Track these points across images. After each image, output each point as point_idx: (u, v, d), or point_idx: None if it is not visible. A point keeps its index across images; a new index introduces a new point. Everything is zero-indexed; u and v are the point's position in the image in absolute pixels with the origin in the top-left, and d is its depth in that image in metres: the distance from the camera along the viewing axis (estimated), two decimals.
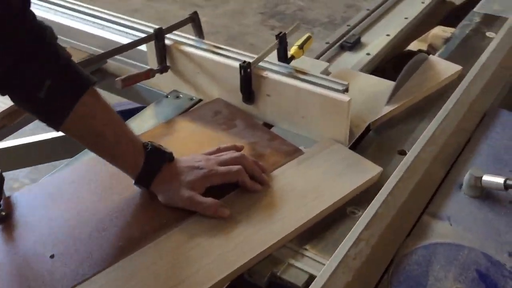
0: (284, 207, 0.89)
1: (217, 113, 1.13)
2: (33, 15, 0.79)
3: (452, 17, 1.72)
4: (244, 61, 1.07)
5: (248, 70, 1.07)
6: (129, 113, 1.56)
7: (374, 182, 0.96)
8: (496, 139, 1.06)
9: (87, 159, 1.01)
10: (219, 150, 0.97)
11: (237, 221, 0.87)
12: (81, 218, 0.88)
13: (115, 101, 1.49)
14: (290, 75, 1.08)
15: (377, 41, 1.44)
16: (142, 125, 1.13)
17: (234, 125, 1.09)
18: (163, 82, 1.24)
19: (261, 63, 1.10)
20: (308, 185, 0.93)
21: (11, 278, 0.79)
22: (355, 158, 0.99)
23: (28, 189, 0.96)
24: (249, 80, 1.08)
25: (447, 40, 1.41)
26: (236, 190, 0.93)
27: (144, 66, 1.36)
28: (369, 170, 0.97)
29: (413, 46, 1.56)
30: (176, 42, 1.19)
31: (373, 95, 1.18)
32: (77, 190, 0.94)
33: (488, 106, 1.15)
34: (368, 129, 1.09)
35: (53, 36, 0.82)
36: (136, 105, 1.51)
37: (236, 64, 1.10)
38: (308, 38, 1.26)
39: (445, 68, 1.24)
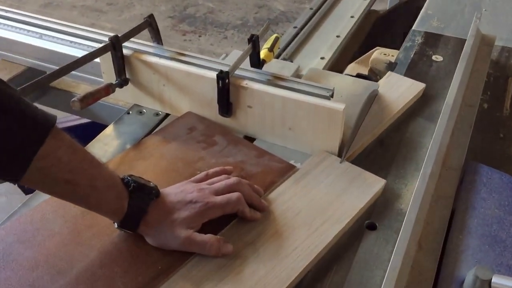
0: (293, 235, 0.80)
1: (193, 129, 1.00)
2: None
3: (379, 30, 1.68)
4: (221, 71, 0.95)
5: (226, 80, 0.95)
6: (78, 129, 1.40)
7: (378, 195, 0.89)
8: (484, 209, 0.86)
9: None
10: (208, 176, 0.86)
11: (244, 258, 0.76)
12: (58, 273, 0.73)
13: (60, 115, 1.32)
14: (270, 82, 0.98)
15: (312, 65, 1.27)
16: (105, 149, 0.99)
17: (214, 142, 0.98)
18: (122, 96, 1.10)
19: (236, 71, 0.99)
20: (313, 207, 0.84)
21: None
22: (355, 171, 0.91)
23: None
24: (227, 91, 0.97)
25: (390, 65, 1.25)
26: (234, 220, 0.82)
27: (93, 78, 1.21)
28: (373, 183, 0.89)
29: (350, 69, 1.37)
30: (136, 51, 1.05)
31: (352, 97, 1.10)
32: (45, 237, 0.79)
33: (463, 158, 0.97)
34: None
35: None
36: (85, 120, 1.35)
37: (210, 74, 0.98)
38: (277, 40, 1.16)
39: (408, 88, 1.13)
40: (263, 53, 1.09)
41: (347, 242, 0.81)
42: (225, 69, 0.96)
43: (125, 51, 1.03)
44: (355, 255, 0.79)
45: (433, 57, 1.26)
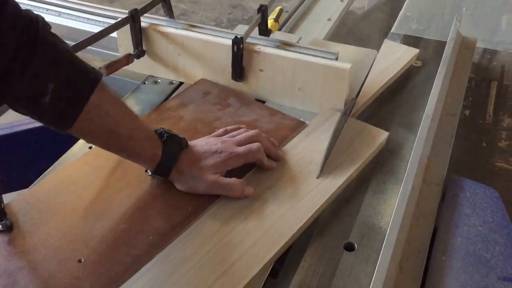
0: (306, 181, 0.88)
1: (207, 94, 1.08)
2: (14, 5, 0.68)
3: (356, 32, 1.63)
4: (236, 36, 1.03)
5: (241, 45, 1.03)
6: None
7: (382, 146, 0.97)
8: (468, 227, 0.83)
9: (84, 154, 0.93)
10: (226, 132, 0.94)
11: (265, 200, 0.84)
12: (99, 216, 0.81)
13: None
14: (280, 47, 1.06)
15: None
16: None
17: (228, 104, 1.06)
18: (138, 68, 1.17)
19: (247, 40, 1.07)
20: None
21: None
22: (360, 126, 0.99)
23: (26, 193, 0.87)
24: (241, 56, 1.04)
25: None
26: (253, 169, 0.90)
27: (105, 51, 1.28)
28: (377, 136, 0.97)
29: None
30: (152, 24, 1.12)
31: (355, 64, 1.18)
32: (85, 187, 0.86)
33: (445, 172, 0.93)
34: None
35: (46, 27, 0.71)
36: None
37: (224, 41, 1.06)
38: (281, 11, 1.25)
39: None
40: (269, 23, 1.17)
41: (326, 263, 0.76)
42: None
43: (142, 24, 1.11)
44: (332, 279, 0.74)
45: (414, 63, 1.22)
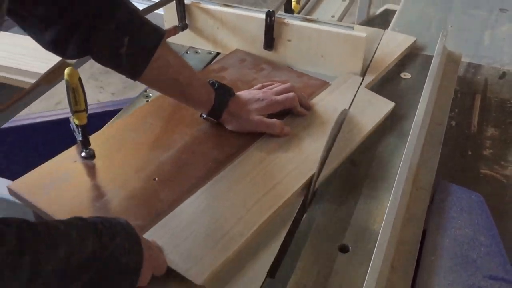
0: (333, 124, 1.06)
1: (243, 61, 1.27)
2: None
3: None
4: (269, 10, 1.21)
5: (273, 18, 1.21)
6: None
7: (388, 114, 1.11)
8: (455, 229, 0.87)
9: (142, 106, 1.11)
10: (263, 87, 1.12)
11: (301, 137, 1.02)
12: (164, 149, 0.99)
13: None
14: (304, 20, 1.25)
15: None
16: None
17: (262, 68, 1.24)
18: (181, 40, 1.35)
19: (276, 15, 1.25)
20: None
21: (127, 202, 0.88)
22: (371, 95, 1.16)
23: (101, 132, 1.04)
24: (272, 27, 1.23)
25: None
26: (288, 115, 1.08)
27: None
28: (384, 105, 1.13)
29: None
30: (194, 1, 1.31)
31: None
32: (148, 128, 1.04)
33: (433, 177, 0.97)
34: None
35: None
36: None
37: (258, 15, 1.24)
38: None
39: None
40: (293, 4, 1.36)
41: (321, 264, 0.80)
42: None
43: (186, 1, 1.29)
44: (327, 279, 0.78)
45: (402, 74, 1.26)
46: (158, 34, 0.93)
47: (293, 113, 1.08)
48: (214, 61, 1.30)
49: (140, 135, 1.02)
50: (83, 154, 0.96)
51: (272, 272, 0.79)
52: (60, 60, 1.20)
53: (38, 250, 0.57)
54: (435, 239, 0.85)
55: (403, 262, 0.81)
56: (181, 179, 0.93)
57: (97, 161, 0.96)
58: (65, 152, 0.97)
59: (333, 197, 0.93)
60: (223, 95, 1.01)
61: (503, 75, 1.29)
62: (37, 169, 0.92)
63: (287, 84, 1.09)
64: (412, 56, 1.31)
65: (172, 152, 0.98)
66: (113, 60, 0.92)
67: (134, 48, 0.90)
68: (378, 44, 1.34)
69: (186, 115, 1.06)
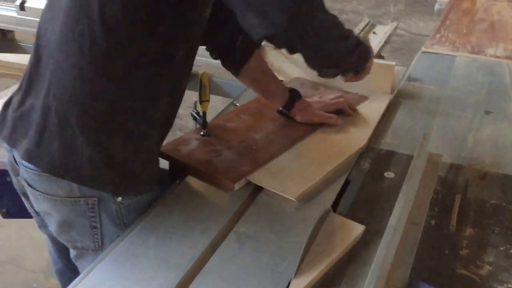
0: (367, 124, 1.51)
1: (303, 84, 1.74)
2: None
3: None
4: None
5: None
6: None
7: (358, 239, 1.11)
8: None
9: (232, 110, 1.58)
10: (320, 97, 1.58)
11: (348, 128, 1.48)
12: (255, 132, 1.44)
13: None
14: None
15: None
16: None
17: (317, 88, 1.71)
18: None
19: None
20: (375, 114, 1.56)
21: (237, 157, 1.32)
22: (341, 220, 1.14)
23: (213, 121, 1.49)
24: None
25: None
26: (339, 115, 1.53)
27: None
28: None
29: None
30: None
31: None
32: (241, 121, 1.49)
33: (407, 277, 0.98)
34: None
35: None
36: None
37: None
38: None
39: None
40: None
41: None
42: None
43: None
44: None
45: (385, 174, 1.30)
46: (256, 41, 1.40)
47: (343, 113, 1.53)
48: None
49: (238, 124, 1.48)
50: (201, 133, 1.41)
51: (334, 206, 1.19)
52: None
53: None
54: None
55: None
56: (271, 148, 1.37)
57: (212, 139, 1.41)
58: (190, 132, 1.43)
59: None
60: (294, 95, 1.48)
61: (483, 176, 1.33)
62: (176, 139, 1.38)
63: (338, 92, 1.56)
64: (397, 156, 1.39)
65: (262, 134, 1.44)
66: (229, 52, 1.39)
67: (244, 44, 1.36)
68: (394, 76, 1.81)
69: (267, 113, 1.52)
